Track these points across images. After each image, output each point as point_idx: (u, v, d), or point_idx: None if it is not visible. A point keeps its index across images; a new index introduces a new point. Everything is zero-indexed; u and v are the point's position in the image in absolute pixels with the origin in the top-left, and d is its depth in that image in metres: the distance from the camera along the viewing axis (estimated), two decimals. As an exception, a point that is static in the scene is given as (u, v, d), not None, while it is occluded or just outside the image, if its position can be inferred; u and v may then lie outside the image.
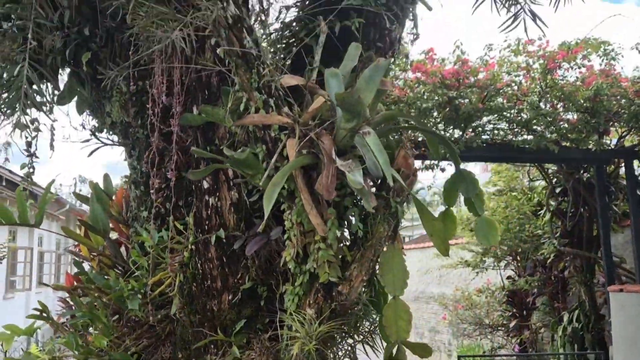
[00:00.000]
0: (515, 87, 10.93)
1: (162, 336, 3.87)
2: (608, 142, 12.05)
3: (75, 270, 4.49)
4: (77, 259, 4.51)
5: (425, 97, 10.14)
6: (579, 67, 11.04)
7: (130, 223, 4.61)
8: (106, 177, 4.75)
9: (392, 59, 4.15)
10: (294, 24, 3.89)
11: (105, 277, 4.18)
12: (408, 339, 3.19)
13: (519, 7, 3.40)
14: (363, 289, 3.24)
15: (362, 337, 3.55)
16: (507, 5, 3.45)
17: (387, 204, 3.02)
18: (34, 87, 4.64)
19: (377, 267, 3.13)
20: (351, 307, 3.17)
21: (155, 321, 3.86)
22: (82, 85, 4.85)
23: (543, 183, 13.85)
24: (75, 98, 5.17)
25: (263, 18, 3.47)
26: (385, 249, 3.10)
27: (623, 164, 11.93)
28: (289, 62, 3.71)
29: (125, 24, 3.55)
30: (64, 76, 5.19)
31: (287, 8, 3.85)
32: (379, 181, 3.14)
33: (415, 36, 4.56)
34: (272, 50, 3.85)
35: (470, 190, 3.13)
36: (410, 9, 4.60)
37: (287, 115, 2.88)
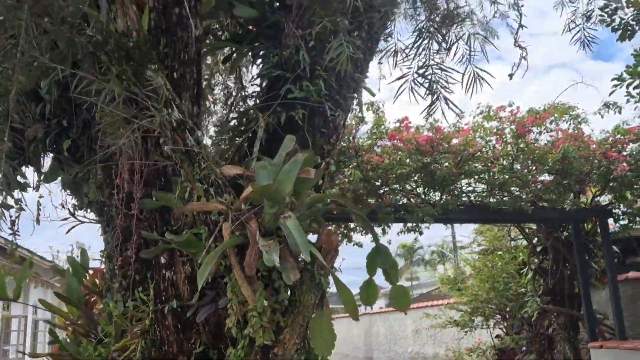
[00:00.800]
0: (489, 152, 11.47)
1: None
2: (585, 200, 12.51)
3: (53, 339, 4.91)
4: (52, 328, 4.94)
5: (401, 163, 10.67)
6: (549, 132, 11.62)
7: (104, 294, 5.06)
8: (83, 252, 5.23)
9: (331, 147, 4.62)
10: (241, 118, 4.44)
11: (79, 344, 4.60)
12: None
13: (435, 95, 3.91)
14: (296, 351, 3.65)
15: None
16: (425, 94, 3.98)
17: (312, 276, 3.47)
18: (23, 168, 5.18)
19: (308, 331, 3.55)
20: (287, 368, 3.57)
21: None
22: (62, 169, 5.38)
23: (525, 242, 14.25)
24: (60, 178, 5.72)
25: (212, 118, 4.01)
26: (314, 315, 3.53)
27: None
28: (238, 150, 4.24)
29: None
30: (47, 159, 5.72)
31: (235, 105, 4.40)
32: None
33: (360, 120, 5.09)
34: (223, 138, 4.38)
35: (386, 262, 3.60)
36: (355, 96, 5.15)
37: (221, 203, 3.37)
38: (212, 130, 4.66)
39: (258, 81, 5.05)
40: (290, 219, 3.14)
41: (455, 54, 3.72)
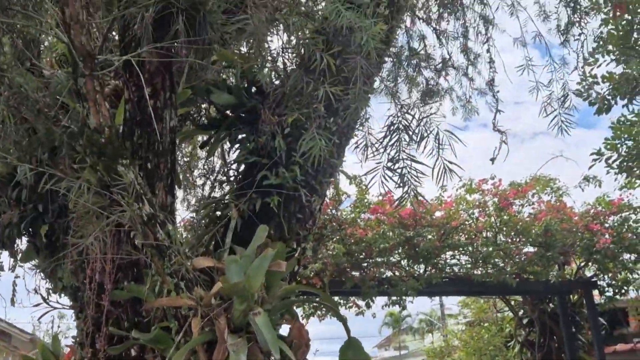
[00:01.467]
0: (472, 224, 11.52)
1: None
2: (570, 272, 12.52)
3: None
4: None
5: (384, 237, 10.69)
6: (531, 204, 11.73)
7: (76, 383, 4.92)
8: (55, 338, 5.11)
9: (304, 244, 4.61)
10: (217, 204, 4.45)
11: None
12: None
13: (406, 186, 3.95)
14: None
15: None
16: (395, 186, 4.02)
17: (285, 372, 3.40)
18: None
19: None
20: None
21: None
22: (37, 253, 5.33)
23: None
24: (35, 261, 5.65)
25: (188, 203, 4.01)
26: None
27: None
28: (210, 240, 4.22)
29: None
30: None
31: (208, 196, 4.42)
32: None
33: (338, 202, 5.10)
34: (197, 225, 4.38)
35: (357, 355, 3.56)
36: (332, 180, 5.17)
37: (191, 298, 3.34)
38: (187, 215, 4.64)
39: (234, 166, 5.08)
40: (260, 316, 3.10)
41: (425, 147, 3.78)
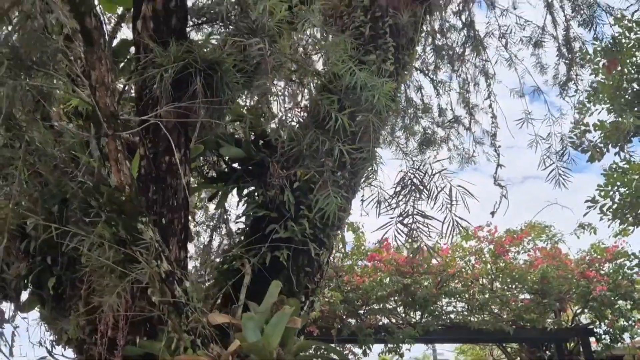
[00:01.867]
0: (468, 271, 11.58)
1: None
2: (566, 319, 12.52)
3: None
4: None
5: (382, 284, 10.72)
6: (526, 251, 11.81)
7: None
8: (59, 393, 5.05)
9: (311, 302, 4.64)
10: (226, 257, 4.48)
11: None
12: None
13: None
14: None
15: None
16: (405, 240, 4.08)
17: None
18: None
19: None
20: None
21: None
22: (43, 305, 5.30)
23: (507, 361, 14.09)
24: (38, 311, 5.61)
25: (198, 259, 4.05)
26: None
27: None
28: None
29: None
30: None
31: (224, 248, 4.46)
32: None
33: (343, 255, 5.14)
34: (207, 279, 4.40)
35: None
36: (339, 233, 5.23)
37: (209, 356, 3.34)
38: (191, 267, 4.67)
39: (243, 219, 5.12)
40: (278, 375, 3.12)
41: (435, 203, 3.86)
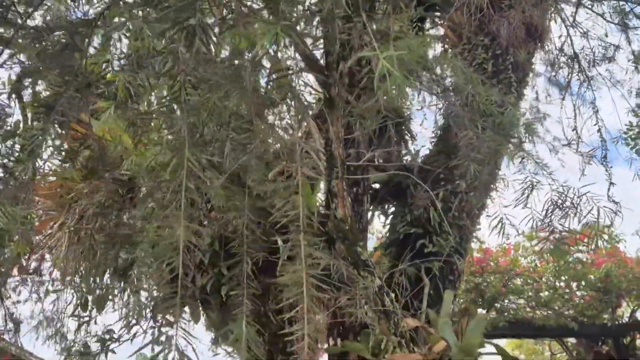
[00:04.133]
0: (532, 269, 12.26)
1: None
2: (620, 314, 13.14)
3: None
4: None
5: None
6: (587, 251, 12.43)
7: None
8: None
9: None
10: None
11: None
12: None
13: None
14: None
15: None
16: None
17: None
18: None
19: None
20: None
21: None
22: (207, 314, 6.09)
23: (565, 355, 14.72)
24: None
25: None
26: None
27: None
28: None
29: None
30: None
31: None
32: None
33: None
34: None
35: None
36: (472, 245, 5.98)
37: (420, 354, 4.10)
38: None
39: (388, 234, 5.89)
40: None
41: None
